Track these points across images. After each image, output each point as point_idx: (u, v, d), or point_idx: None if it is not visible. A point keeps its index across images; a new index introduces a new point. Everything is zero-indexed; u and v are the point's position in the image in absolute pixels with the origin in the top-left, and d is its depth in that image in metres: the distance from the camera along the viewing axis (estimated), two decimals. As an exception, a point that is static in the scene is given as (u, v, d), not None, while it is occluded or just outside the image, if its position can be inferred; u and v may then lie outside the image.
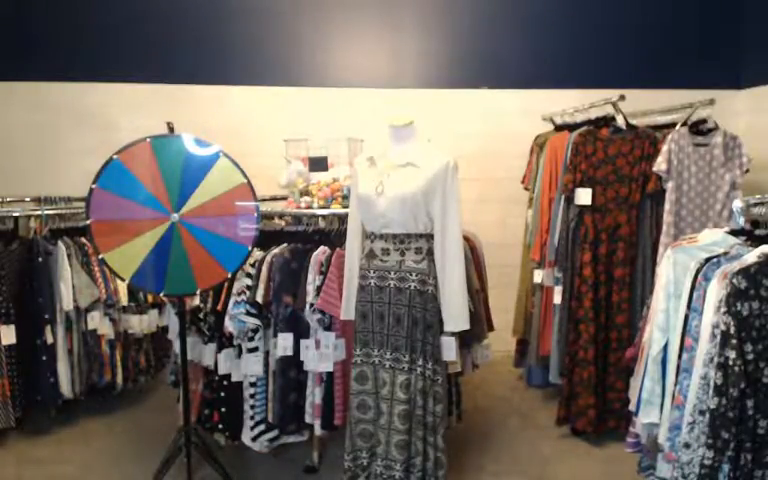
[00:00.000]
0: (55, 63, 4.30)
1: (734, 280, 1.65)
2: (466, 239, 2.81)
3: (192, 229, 2.47)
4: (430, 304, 2.40)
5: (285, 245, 2.89)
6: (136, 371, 3.64)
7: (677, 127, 3.11)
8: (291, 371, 2.76)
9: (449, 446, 2.56)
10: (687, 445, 1.74)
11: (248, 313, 2.72)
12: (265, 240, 2.88)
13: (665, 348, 2.01)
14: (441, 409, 2.45)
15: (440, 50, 4.52)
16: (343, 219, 2.83)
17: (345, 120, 4.02)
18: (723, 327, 1.64)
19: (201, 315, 2.88)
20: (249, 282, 2.77)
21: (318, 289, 2.70)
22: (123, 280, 2.54)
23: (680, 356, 1.91)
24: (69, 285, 3.25)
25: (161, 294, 2.54)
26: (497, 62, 4.50)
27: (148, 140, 2.46)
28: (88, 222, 2.42)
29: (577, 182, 3.18)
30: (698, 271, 1.87)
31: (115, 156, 2.43)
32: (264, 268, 2.77)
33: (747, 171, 3.08)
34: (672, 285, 2.00)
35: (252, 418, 2.80)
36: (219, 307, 2.81)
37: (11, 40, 4.25)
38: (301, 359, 2.72)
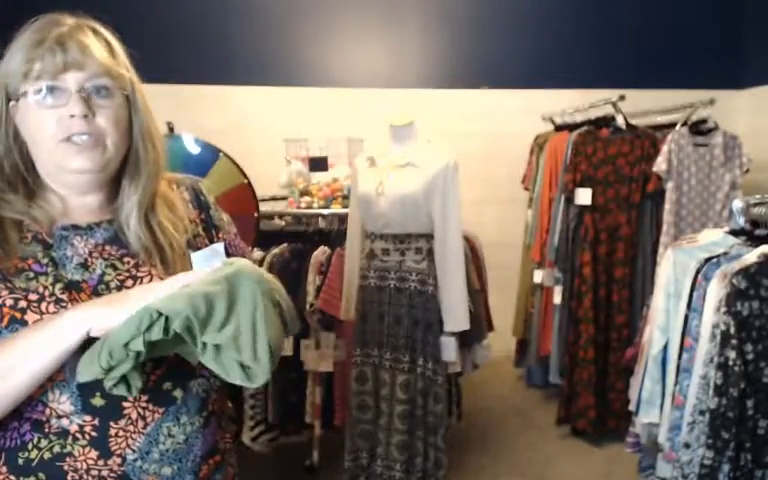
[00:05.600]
0: (55, 63, 4.30)
1: (734, 280, 1.64)
2: (466, 239, 2.81)
3: (192, 229, 2.47)
4: (430, 304, 2.40)
5: (285, 245, 2.89)
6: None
7: (677, 127, 3.11)
8: (291, 371, 2.76)
9: (449, 446, 2.56)
10: (687, 445, 1.74)
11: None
12: (265, 240, 2.88)
13: (665, 348, 2.01)
14: (441, 409, 2.45)
15: (440, 50, 4.52)
16: (343, 219, 2.83)
17: (345, 120, 4.01)
18: (723, 327, 1.64)
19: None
20: (249, 282, 2.77)
21: (318, 289, 2.70)
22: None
23: (680, 356, 1.90)
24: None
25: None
26: (497, 62, 4.50)
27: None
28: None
29: (577, 182, 3.18)
30: (698, 271, 1.87)
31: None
32: (264, 268, 2.77)
33: (747, 171, 3.08)
34: (672, 285, 2.00)
35: (252, 418, 2.80)
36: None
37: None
38: (301, 359, 2.72)
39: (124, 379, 0.80)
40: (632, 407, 2.17)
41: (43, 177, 0.94)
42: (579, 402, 3.17)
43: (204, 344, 0.80)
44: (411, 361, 2.42)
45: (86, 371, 0.79)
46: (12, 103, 0.90)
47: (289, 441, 2.88)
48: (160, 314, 0.77)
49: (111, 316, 0.80)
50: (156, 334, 0.77)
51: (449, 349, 2.44)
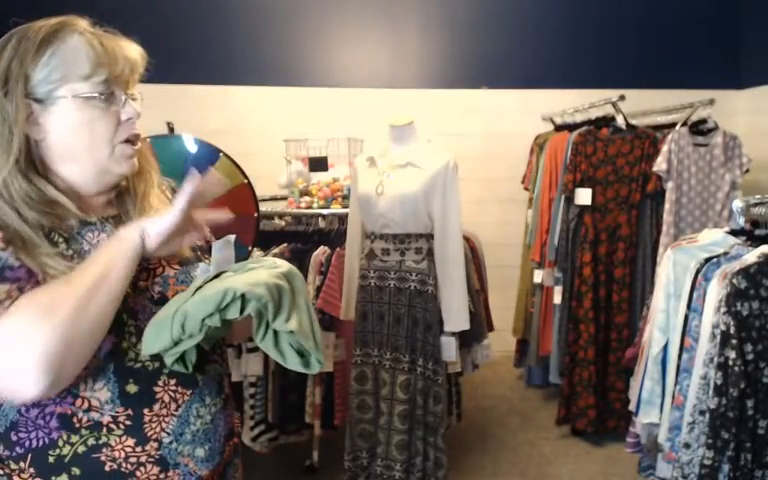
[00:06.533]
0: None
1: (734, 280, 1.64)
2: (466, 239, 2.81)
3: (192, 229, 2.47)
4: (430, 304, 2.40)
5: (285, 245, 2.89)
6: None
7: (677, 127, 3.11)
8: (291, 371, 2.75)
9: (449, 446, 2.56)
10: (687, 445, 1.74)
11: (248, 313, 2.72)
12: (265, 240, 2.88)
13: (665, 348, 2.01)
14: (441, 409, 2.45)
15: (440, 50, 4.52)
16: (343, 219, 2.83)
17: (345, 120, 4.01)
18: (723, 327, 1.64)
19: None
20: (249, 282, 2.77)
21: (318, 289, 2.70)
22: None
23: (680, 356, 1.90)
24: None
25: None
26: (497, 62, 4.50)
27: (148, 140, 2.45)
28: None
29: (577, 182, 3.18)
30: (698, 271, 1.87)
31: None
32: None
33: (747, 171, 3.07)
34: (672, 285, 2.00)
35: (252, 418, 2.80)
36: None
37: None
38: (301, 359, 2.72)
39: (181, 356, 0.83)
40: (632, 407, 2.17)
41: (69, 178, 0.92)
42: (579, 402, 3.17)
43: (266, 331, 0.84)
44: (411, 361, 2.42)
45: (152, 343, 0.81)
46: (30, 102, 0.87)
47: (289, 441, 2.88)
48: (240, 295, 0.80)
49: (159, 222, 0.85)
50: (232, 314, 0.80)
51: (449, 349, 2.44)
